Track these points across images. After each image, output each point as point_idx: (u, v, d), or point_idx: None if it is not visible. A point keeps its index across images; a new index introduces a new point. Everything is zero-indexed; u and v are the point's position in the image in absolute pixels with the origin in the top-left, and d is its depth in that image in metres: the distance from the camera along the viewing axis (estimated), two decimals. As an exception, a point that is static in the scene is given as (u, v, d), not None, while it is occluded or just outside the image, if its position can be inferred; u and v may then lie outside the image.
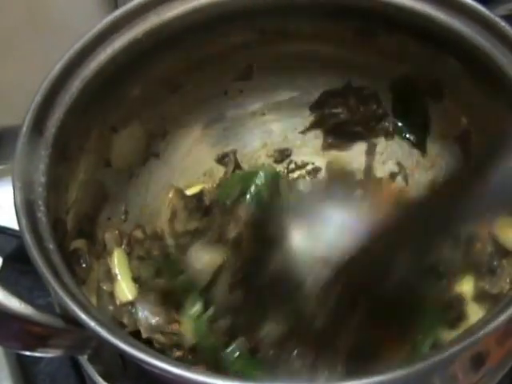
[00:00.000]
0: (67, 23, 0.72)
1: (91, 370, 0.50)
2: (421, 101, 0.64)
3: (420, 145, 0.66)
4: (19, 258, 0.70)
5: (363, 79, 0.66)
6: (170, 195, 0.64)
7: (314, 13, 0.60)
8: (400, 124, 0.67)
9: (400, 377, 0.41)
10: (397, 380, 0.41)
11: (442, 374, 0.47)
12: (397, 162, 0.67)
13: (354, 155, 0.69)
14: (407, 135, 0.67)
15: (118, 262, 0.59)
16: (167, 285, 0.60)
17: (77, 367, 0.63)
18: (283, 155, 0.69)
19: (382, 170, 0.68)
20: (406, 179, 0.67)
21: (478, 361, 0.48)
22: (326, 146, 0.69)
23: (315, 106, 0.68)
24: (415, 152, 0.67)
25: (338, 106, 0.67)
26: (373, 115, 0.67)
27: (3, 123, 0.72)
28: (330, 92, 0.67)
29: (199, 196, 0.66)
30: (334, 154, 0.69)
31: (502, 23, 0.53)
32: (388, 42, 0.61)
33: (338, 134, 0.68)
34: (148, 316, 0.58)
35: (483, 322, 0.44)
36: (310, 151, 0.69)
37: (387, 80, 0.65)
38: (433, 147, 0.65)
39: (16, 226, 0.61)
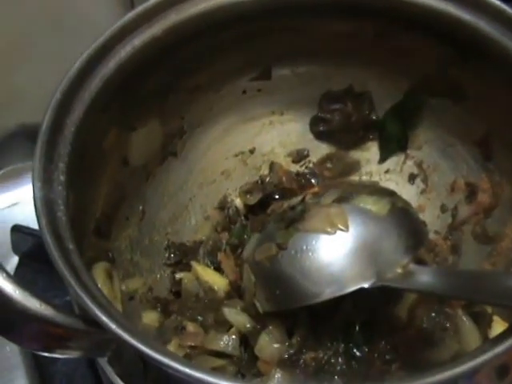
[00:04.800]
0: (84, 22, 0.71)
1: (110, 372, 0.49)
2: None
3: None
4: (35, 257, 0.69)
5: (381, 80, 0.65)
6: None
7: (334, 13, 0.59)
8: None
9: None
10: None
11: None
12: (416, 164, 0.67)
13: (372, 155, 0.68)
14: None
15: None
16: None
17: (93, 367, 0.62)
18: (301, 155, 0.68)
19: (401, 171, 0.67)
20: (425, 181, 0.66)
21: (502, 371, 0.47)
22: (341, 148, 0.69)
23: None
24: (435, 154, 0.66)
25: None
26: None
27: (22, 121, 0.71)
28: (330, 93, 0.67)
29: None
30: (352, 152, 0.68)
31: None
32: (409, 41, 0.60)
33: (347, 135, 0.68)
34: None
35: (506, 335, 0.43)
36: (329, 150, 0.68)
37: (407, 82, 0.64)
38: (453, 150, 0.65)
39: (32, 225, 0.61)
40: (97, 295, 0.44)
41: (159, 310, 0.61)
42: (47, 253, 0.45)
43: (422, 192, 0.66)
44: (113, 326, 0.42)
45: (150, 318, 0.60)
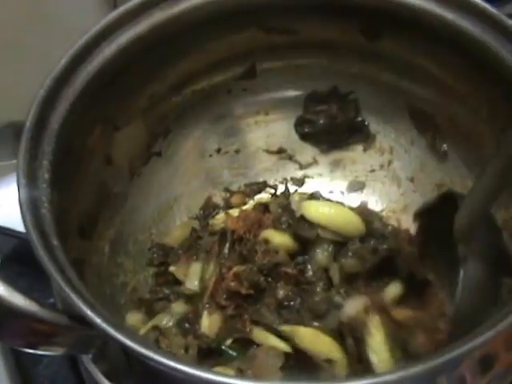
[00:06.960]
0: (69, 21, 0.71)
1: (94, 370, 0.49)
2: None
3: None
4: (17, 259, 0.69)
5: (366, 81, 0.65)
6: None
7: (320, 11, 0.59)
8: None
9: (407, 377, 0.41)
10: (404, 380, 0.41)
11: (449, 375, 0.46)
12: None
13: (357, 154, 0.68)
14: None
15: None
16: None
17: (76, 369, 0.62)
18: (287, 155, 0.68)
19: (387, 171, 0.68)
20: (412, 181, 0.66)
21: (486, 363, 0.47)
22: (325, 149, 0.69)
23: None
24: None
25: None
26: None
27: (5, 119, 0.71)
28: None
29: None
30: (337, 152, 0.68)
31: (510, 22, 0.53)
32: (394, 42, 0.61)
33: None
34: None
35: (492, 324, 0.43)
36: (315, 151, 0.68)
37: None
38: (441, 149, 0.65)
39: (13, 226, 0.60)
40: (82, 291, 0.44)
41: (143, 311, 0.61)
42: (32, 250, 0.45)
43: (408, 192, 0.66)
44: (98, 321, 0.41)
45: (134, 319, 0.60)
